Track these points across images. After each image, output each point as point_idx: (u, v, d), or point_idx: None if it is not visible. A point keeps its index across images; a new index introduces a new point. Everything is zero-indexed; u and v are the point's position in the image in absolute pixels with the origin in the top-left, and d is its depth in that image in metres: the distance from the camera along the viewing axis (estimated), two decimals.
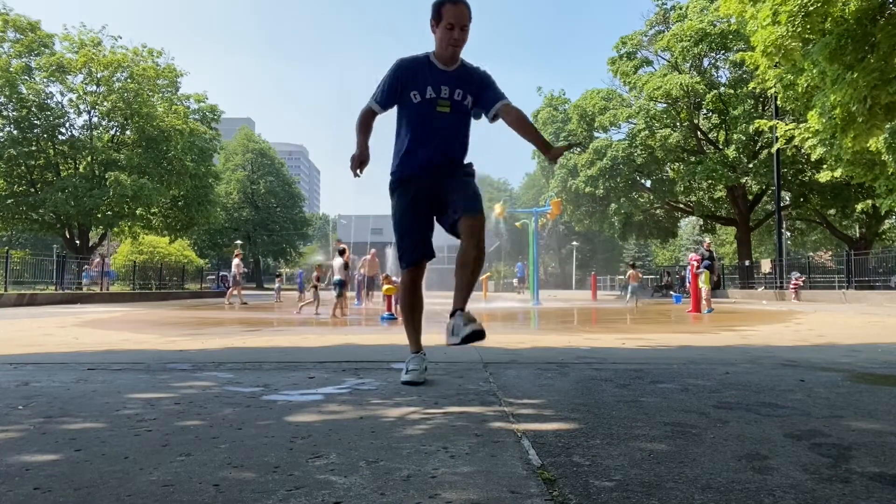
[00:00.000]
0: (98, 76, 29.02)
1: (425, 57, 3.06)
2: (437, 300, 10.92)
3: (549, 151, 3.09)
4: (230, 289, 18.24)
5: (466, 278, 2.93)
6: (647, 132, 29.07)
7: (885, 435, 1.98)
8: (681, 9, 30.68)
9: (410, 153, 3.08)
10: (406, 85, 3.02)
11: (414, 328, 3.17)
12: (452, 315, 2.88)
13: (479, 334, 2.71)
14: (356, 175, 3.03)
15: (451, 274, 3.03)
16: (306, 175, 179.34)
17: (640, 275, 15.74)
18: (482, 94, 3.11)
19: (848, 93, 12.06)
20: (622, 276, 60.45)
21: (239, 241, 57.30)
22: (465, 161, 3.21)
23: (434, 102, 3.01)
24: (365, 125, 3.12)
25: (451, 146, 3.11)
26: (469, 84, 3.07)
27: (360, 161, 3.01)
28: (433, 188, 3.05)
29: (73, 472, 1.57)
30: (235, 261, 18.49)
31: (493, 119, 3.13)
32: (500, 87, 3.17)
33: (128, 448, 1.81)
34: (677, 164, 30.09)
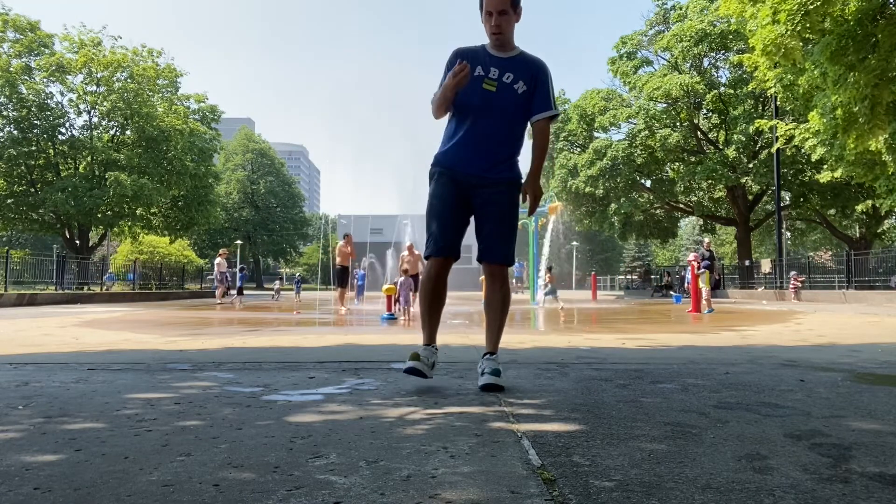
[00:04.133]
0: (98, 76, 29.05)
1: (481, 46, 3.02)
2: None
3: (534, 181, 3.00)
4: (222, 289, 18.23)
5: (494, 321, 3.02)
6: (647, 132, 29.07)
7: (885, 435, 1.98)
8: (681, 9, 30.68)
9: (454, 137, 2.98)
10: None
11: (431, 320, 3.05)
12: (484, 356, 2.96)
13: (494, 388, 2.80)
14: (465, 77, 2.81)
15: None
16: (306, 175, 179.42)
17: (554, 277, 17.23)
18: (537, 89, 2.97)
19: (850, 93, 12.06)
20: (622, 277, 60.56)
21: (239, 242, 57.34)
22: (517, 158, 3.05)
23: (480, 79, 2.91)
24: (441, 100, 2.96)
25: (498, 134, 2.95)
26: (523, 71, 2.95)
27: (459, 68, 2.80)
28: (471, 189, 2.94)
29: (73, 472, 1.57)
30: (218, 259, 18.57)
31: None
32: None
33: (128, 448, 1.81)
34: (677, 164, 30.10)
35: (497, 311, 3.02)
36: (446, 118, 3.09)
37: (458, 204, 2.97)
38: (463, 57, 2.96)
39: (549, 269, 18.75)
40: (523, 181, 3.06)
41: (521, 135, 3.05)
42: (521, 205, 3.07)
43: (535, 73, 2.96)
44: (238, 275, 18.47)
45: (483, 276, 20.98)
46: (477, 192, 2.96)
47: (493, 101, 2.92)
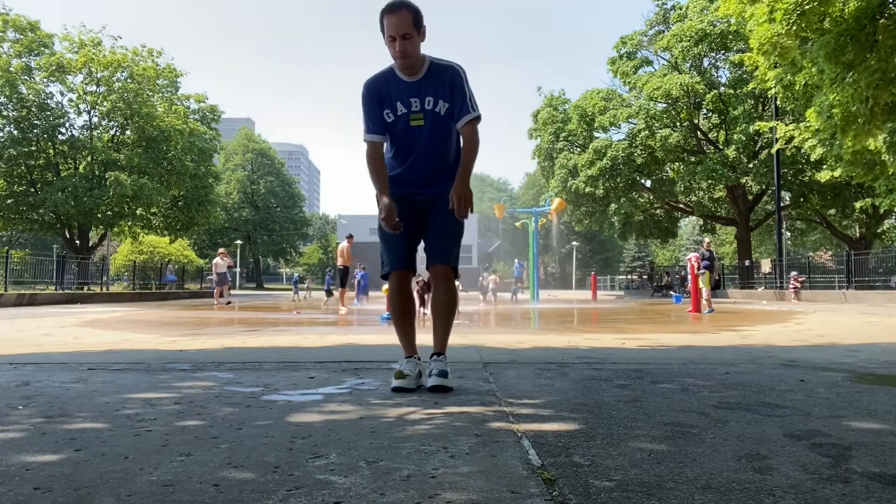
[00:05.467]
0: (98, 76, 29.04)
1: (390, 70, 2.92)
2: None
3: (462, 184, 2.88)
4: (219, 290, 18.20)
5: (441, 322, 3.02)
6: (647, 132, 29.06)
7: (885, 435, 1.98)
8: (681, 9, 30.67)
9: (396, 171, 2.99)
10: (379, 104, 2.90)
11: (405, 332, 3.05)
12: (431, 356, 2.95)
13: (442, 389, 2.79)
14: (397, 230, 2.83)
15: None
16: (306, 175, 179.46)
17: (499, 279, 19.01)
18: (455, 100, 2.90)
19: (848, 93, 12.04)
20: (622, 277, 60.60)
21: (239, 242, 57.37)
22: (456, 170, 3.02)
23: (406, 118, 2.88)
24: (375, 166, 2.93)
25: (436, 161, 2.96)
26: (439, 88, 2.88)
27: (388, 213, 2.79)
28: (419, 204, 2.99)
29: (73, 472, 1.57)
30: (216, 259, 18.64)
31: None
32: (474, 89, 2.97)
33: (128, 448, 1.81)
34: (677, 164, 30.08)
35: (442, 312, 3.03)
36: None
37: (408, 220, 2.95)
38: (376, 91, 2.89)
39: (494, 271, 20.16)
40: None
41: (458, 148, 3.01)
42: (450, 206, 2.99)
43: (451, 84, 2.88)
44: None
45: (482, 277, 21.15)
46: (425, 207, 3.00)
47: (425, 133, 2.90)
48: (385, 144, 3.03)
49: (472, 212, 3.00)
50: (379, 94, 2.91)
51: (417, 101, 2.87)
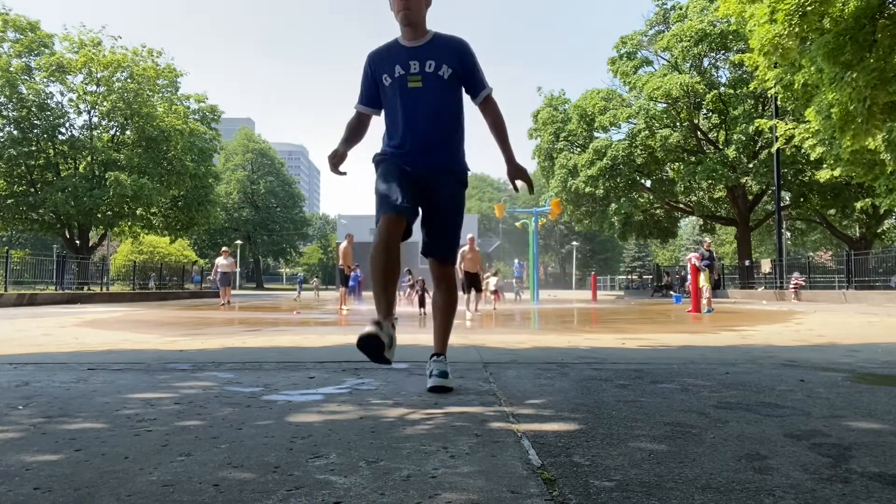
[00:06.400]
0: (98, 76, 29.06)
1: (393, 40, 2.93)
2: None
3: (511, 164, 2.94)
4: (223, 290, 18.05)
5: (441, 323, 3.02)
6: (647, 132, 29.06)
7: (885, 435, 1.98)
8: (681, 9, 30.68)
9: (393, 141, 2.89)
10: (378, 72, 2.88)
11: (385, 294, 2.62)
12: (431, 357, 2.95)
13: (442, 390, 2.78)
14: (338, 172, 2.89)
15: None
16: (306, 175, 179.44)
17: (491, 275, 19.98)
18: (466, 74, 2.87)
19: (846, 92, 12.04)
20: (622, 277, 60.65)
21: (239, 242, 57.38)
22: (460, 147, 2.96)
23: (404, 79, 2.80)
24: (351, 128, 2.98)
25: (435, 127, 2.84)
26: (444, 54, 2.81)
27: (333, 158, 2.86)
28: (419, 174, 2.83)
29: (73, 472, 1.57)
30: (217, 259, 18.54)
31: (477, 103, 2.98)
32: (483, 69, 2.94)
33: (128, 448, 1.81)
34: (677, 164, 30.09)
35: (443, 313, 3.00)
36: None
37: (408, 176, 2.81)
38: (377, 59, 2.90)
39: (497, 272, 21.24)
40: (502, 172, 3.04)
41: (459, 120, 2.94)
42: (519, 191, 3.03)
43: (460, 57, 2.84)
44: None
45: (485, 281, 21.33)
46: (424, 183, 2.86)
47: (423, 97, 2.81)
48: (385, 121, 2.96)
49: (532, 188, 3.05)
50: (379, 61, 2.89)
51: (417, 64, 2.81)
